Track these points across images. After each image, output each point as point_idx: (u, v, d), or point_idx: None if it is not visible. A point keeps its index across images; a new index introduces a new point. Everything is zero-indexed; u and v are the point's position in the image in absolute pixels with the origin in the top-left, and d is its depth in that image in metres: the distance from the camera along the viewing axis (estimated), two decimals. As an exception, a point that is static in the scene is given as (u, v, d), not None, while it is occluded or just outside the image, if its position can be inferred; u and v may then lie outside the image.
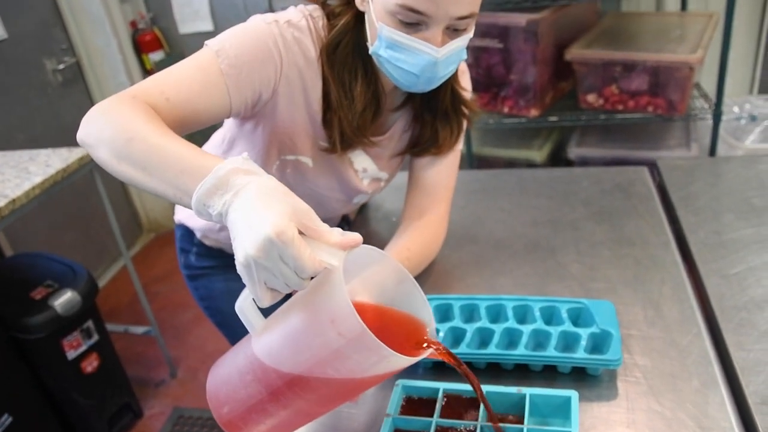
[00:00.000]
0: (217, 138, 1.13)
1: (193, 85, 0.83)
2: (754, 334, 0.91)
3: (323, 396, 0.67)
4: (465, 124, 1.09)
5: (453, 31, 0.84)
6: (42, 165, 1.84)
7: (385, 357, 0.60)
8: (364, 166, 1.07)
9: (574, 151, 2.27)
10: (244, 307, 0.65)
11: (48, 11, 2.83)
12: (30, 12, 2.70)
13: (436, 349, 0.70)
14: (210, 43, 0.86)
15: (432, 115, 1.04)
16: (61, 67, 2.85)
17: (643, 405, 0.82)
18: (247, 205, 0.59)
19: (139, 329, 2.39)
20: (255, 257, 0.56)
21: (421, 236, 1.05)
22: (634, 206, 1.28)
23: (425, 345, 0.70)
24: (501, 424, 0.76)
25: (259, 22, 0.89)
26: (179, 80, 0.83)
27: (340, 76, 0.92)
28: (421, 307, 0.72)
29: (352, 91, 0.93)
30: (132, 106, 0.75)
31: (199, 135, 1.12)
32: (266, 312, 0.67)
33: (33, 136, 2.68)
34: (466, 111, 1.06)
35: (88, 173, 1.93)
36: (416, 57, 0.84)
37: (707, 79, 2.32)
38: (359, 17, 0.91)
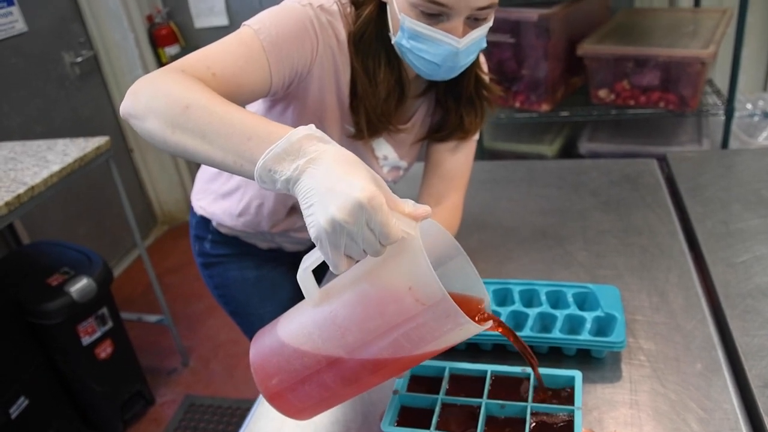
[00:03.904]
0: None
1: (237, 61, 0.83)
2: (759, 320, 0.92)
3: (385, 365, 0.66)
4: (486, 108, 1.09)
5: (474, 21, 0.86)
6: (60, 154, 1.88)
7: (460, 324, 0.61)
8: (384, 154, 1.08)
9: (585, 146, 2.27)
10: (305, 276, 0.64)
11: (67, 6, 2.87)
12: (49, 6, 2.75)
13: (495, 322, 0.71)
14: (249, 23, 0.87)
15: (456, 102, 1.05)
16: (79, 60, 2.89)
17: (647, 387, 0.83)
18: (327, 171, 0.58)
19: (152, 318, 2.43)
20: (343, 221, 0.55)
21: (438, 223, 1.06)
22: (642, 197, 1.29)
23: (484, 317, 0.71)
24: (503, 402, 0.77)
25: (294, 4, 0.90)
26: (224, 56, 0.83)
27: (365, 64, 0.94)
28: (474, 282, 0.73)
29: (375, 78, 0.95)
30: (183, 77, 0.75)
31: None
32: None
33: (51, 128, 2.73)
34: (487, 95, 1.07)
35: (104, 163, 1.97)
36: (438, 48, 0.86)
37: (720, 76, 2.31)
38: (382, 7, 0.92)
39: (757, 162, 1.37)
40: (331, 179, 0.57)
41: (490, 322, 0.70)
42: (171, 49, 3.18)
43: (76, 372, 1.98)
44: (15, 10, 2.53)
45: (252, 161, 0.63)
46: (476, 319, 0.71)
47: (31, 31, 2.62)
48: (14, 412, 1.76)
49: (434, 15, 0.83)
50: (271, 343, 0.70)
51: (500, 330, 0.73)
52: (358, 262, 0.62)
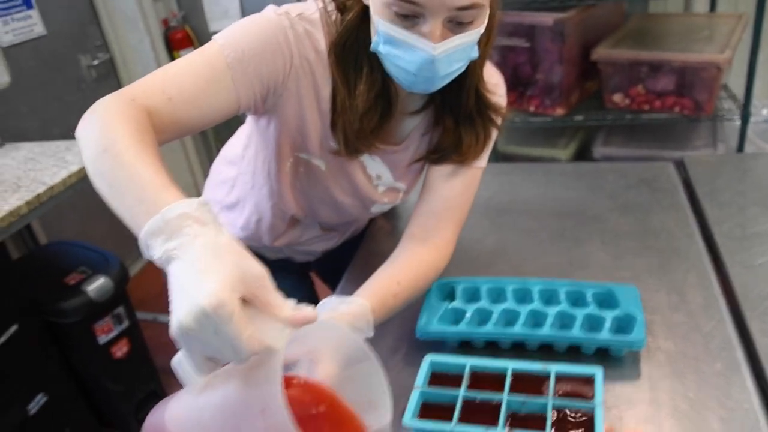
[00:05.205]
0: (241, 133, 1.11)
1: (198, 81, 0.79)
2: (778, 321, 0.92)
3: None
4: (494, 133, 1.00)
5: (456, 24, 0.77)
6: (78, 154, 1.89)
7: None
8: (378, 173, 1.02)
9: (599, 151, 2.27)
10: (182, 363, 0.57)
11: (84, 10, 2.91)
12: (68, 10, 2.79)
13: None
14: (217, 37, 0.83)
15: (455, 120, 0.96)
16: (96, 63, 2.93)
17: (666, 386, 0.83)
18: (187, 265, 0.54)
19: (168, 318, 2.44)
20: (187, 328, 0.51)
21: (417, 267, 0.96)
22: (658, 200, 1.29)
23: None
24: (524, 398, 0.78)
25: (269, 13, 0.85)
26: (183, 77, 0.79)
27: (346, 75, 0.87)
28: (380, 391, 0.66)
29: (355, 91, 0.88)
30: (122, 111, 0.71)
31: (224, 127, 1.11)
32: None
33: (68, 129, 2.73)
34: (494, 118, 0.97)
35: (122, 164, 1.99)
36: (412, 54, 0.78)
37: (736, 81, 2.30)
38: (367, 12, 0.84)
39: (774, 166, 1.37)
40: (188, 277, 0.53)
41: None
42: (186, 53, 3.21)
43: (92, 370, 2.00)
44: (34, 13, 2.57)
45: (138, 228, 0.59)
46: None
47: (50, 34, 2.66)
48: (32, 408, 1.78)
49: (409, 17, 0.76)
50: (154, 420, 0.64)
51: None
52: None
